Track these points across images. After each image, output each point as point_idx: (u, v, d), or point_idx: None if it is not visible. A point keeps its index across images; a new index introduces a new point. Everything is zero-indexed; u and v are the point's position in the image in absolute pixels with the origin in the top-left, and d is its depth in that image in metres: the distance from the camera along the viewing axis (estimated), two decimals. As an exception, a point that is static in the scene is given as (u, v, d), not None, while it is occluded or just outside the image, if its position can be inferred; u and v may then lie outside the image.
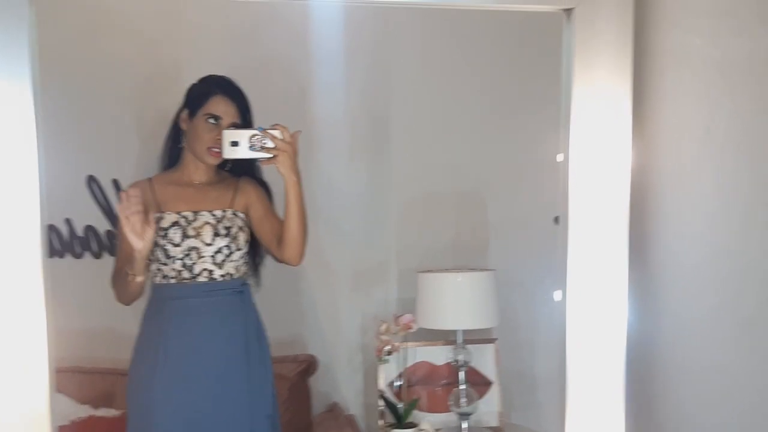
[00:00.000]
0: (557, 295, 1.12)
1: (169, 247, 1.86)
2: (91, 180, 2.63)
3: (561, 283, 1.19)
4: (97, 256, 2.65)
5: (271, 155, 1.80)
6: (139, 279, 1.83)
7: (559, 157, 1.56)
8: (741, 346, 1.22)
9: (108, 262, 2.63)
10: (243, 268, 1.96)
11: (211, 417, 1.85)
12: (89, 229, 2.64)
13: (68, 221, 2.62)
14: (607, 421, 1.09)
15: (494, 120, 2.87)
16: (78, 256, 2.63)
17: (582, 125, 1.45)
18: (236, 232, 1.92)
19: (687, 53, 1.45)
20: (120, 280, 1.89)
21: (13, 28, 1.10)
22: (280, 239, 1.93)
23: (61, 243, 2.61)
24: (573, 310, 1.09)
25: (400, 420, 2.44)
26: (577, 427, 1.09)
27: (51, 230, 2.59)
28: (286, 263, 1.97)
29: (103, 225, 2.65)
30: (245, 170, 2.02)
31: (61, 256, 2.62)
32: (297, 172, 1.84)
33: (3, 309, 0.87)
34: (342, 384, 2.80)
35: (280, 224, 1.92)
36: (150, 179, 1.98)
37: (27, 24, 1.16)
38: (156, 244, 1.86)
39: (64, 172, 2.49)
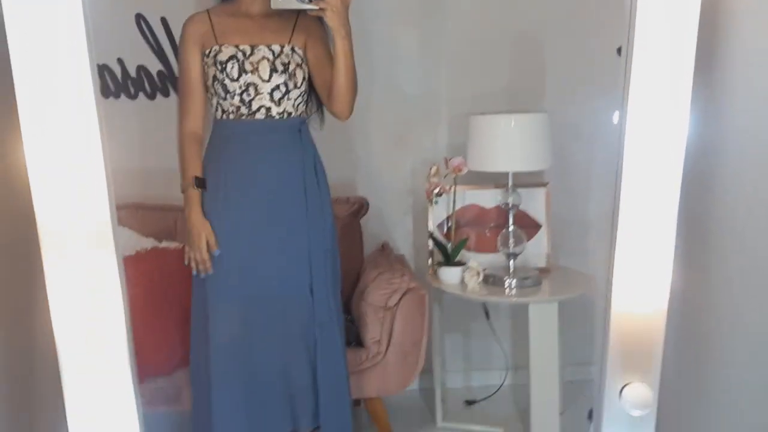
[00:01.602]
0: (615, 118, 1.07)
1: (227, 81, 1.85)
2: (140, 18, 2.60)
3: (620, 110, 1.12)
4: (150, 97, 2.68)
5: (320, 7, 1.73)
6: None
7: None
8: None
9: (161, 103, 2.68)
10: (301, 108, 1.95)
11: (270, 248, 1.91)
12: (141, 69, 2.65)
13: (120, 61, 2.63)
14: (656, 262, 1.07)
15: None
16: (132, 97, 2.67)
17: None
18: (294, 69, 1.89)
19: None
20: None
21: None
22: (330, 91, 1.90)
23: (115, 84, 2.64)
24: (631, 138, 1.04)
25: (449, 259, 2.51)
26: (625, 268, 1.07)
27: (104, 70, 2.62)
28: (335, 116, 1.96)
29: (154, 65, 2.65)
30: None
31: (117, 96, 2.66)
32: (346, 26, 1.78)
33: (61, 148, 0.88)
34: (392, 226, 2.87)
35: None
36: (207, 11, 1.95)
37: None
38: (214, 78, 1.87)
39: (112, 10, 2.48)
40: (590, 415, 1.68)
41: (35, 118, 0.87)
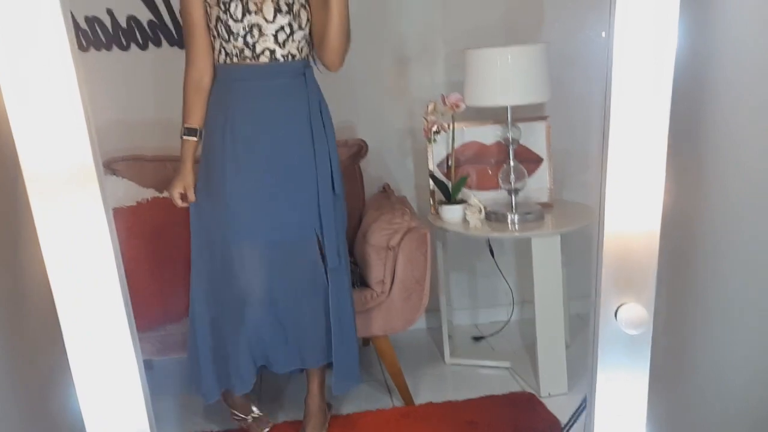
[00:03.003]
0: (603, 34, 1.04)
1: (231, 22, 1.82)
2: (126, -35, 2.55)
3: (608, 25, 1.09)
4: (142, 47, 2.64)
5: None
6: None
7: None
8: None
9: (154, 53, 2.64)
10: (305, 50, 1.91)
11: (279, 194, 1.92)
12: (131, 19, 2.60)
13: (110, 12, 2.58)
14: (647, 181, 1.06)
15: None
16: (125, 48, 2.63)
17: None
18: (298, 9, 1.85)
19: None
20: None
21: None
22: (321, 40, 1.86)
23: (106, 35, 2.60)
24: (619, 53, 1.02)
25: (450, 197, 2.50)
26: (616, 188, 1.05)
27: (94, 21, 2.57)
28: (325, 66, 1.93)
29: (145, 15, 2.61)
30: None
31: (109, 48, 2.62)
32: None
33: (42, 105, 0.87)
34: (392, 167, 2.86)
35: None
36: None
37: None
38: (218, 19, 1.83)
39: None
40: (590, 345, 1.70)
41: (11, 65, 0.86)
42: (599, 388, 1.15)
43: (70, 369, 1.00)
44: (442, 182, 2.53)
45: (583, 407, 1.98)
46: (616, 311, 1.12)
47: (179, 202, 1.95)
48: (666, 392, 1.34)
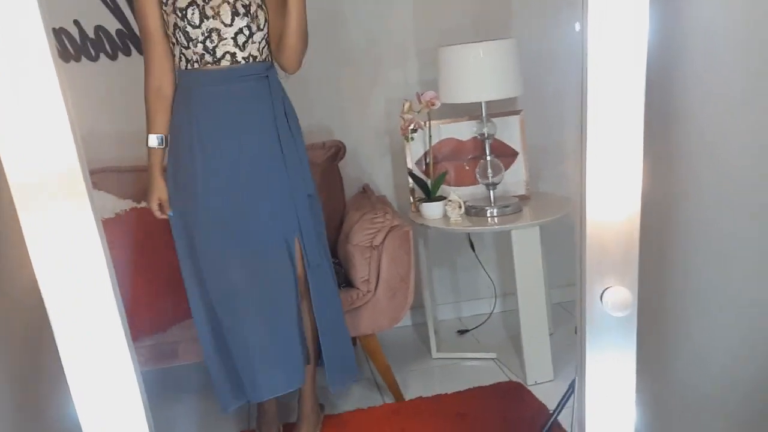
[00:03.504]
0: (577, 26, 1.07)
1: (189, 29, 1.81)
2: (92, -24, 2.53)
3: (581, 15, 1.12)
4: (112, 57, 2.62)
5: None
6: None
7: None
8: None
9: (123, 63, 2.62)
10: (266, 51, 1.91)
11: (252, 198, 1.91)
12: (99, 29, 2.58)
13: (77, 22, 2.56)
14: (626, 166, 1.09)
15: None
16: (93, 59, 2.61)
17: None
18: (255, 11, 1.85)
19: None
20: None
21: None
22: (279, 42, 1.87)
23: (74, 46, 2.58)
24: (593, 42, 1.04)
25: (430, 195, 2.53)
26: (596, 175, 1.08)
27: (61, 33, 2.55)
28: (283, 68, 1.93)
29: (113, 24, 2.59)
30: None
31: (78, 60, 2.60)
32: None
33: (27, 113, 0.87)
34: (371, 168, 2.87)
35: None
36: None
37: None
38: (176, 26, 1.82)
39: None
40: (577, 331, 1.73)
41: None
42: (588, 370, 1.18)
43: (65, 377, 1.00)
44: (422, 180, 2.55)
45: (571, 392, 2.02)
46: (602, 295, 1.15)
47: (159, 214, 1.95)
48: (651, 375, 1.38)
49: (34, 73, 0.87)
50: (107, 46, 2.60)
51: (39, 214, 0.90)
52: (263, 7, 1.88)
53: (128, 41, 2.61)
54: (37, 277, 0.91)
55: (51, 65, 0.87)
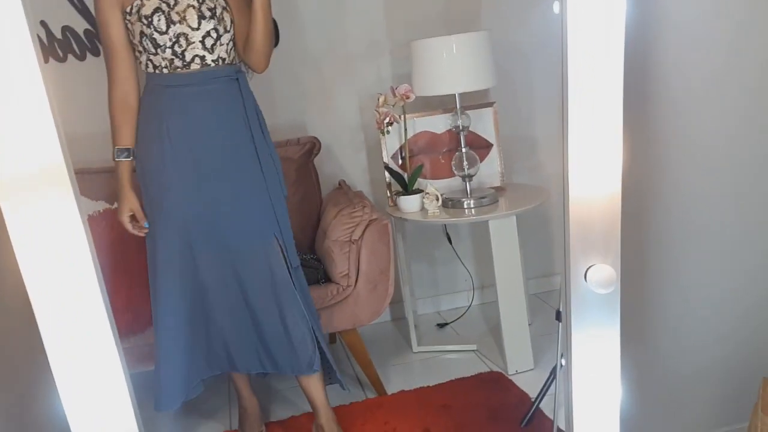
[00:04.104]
0: (556, 7, 1.08)
1: (156, 35, 1.78)
2: (57, -25, 2.48)
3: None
4: (80, 58, 2.58)
5: None
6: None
7: None
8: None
9: (92, 63, 2.58)
10: (233, 53, 1.90)
11: (230, 201, 1.88)
12: (67, 29, 2.54)
13: (44, 23, 2.51)
14: (606, 146, 1.11)
15: None
16: (62, 59, 2.56)
17: None
18: (221, 13, 1.84)
19: None
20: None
21: None
22: (246, 42, 1.87)
23: (42, 47, 2.52)
24: (573, 25, 1.06)
25: (407, 188, 2.53)
26: (578, 155, 1.10)
27: (27, 34, 2.50)
28: (251, 68, 1.93)
29: (80, 24, 2.54)
30: None
31: (46, 61, 2.54)
32: None
33: (8, 108, 0.85)
34: (347, 163, 2.87)
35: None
36: None
37: None
38: (142, 34, 1.79)
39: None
40: (558, 317, 1.75)
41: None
42: (575, 348, 1.19)
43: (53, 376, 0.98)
44: (398, 173, 2.56)
45: (552, 379, 2.04)
46: (586, 273, 1.17)
47: (130, 228, 1.90)
48: (632, 358, 1.41)
49: (16, 66, 0.85)
50: (75, 47, 2.56)
51: (23, 208, 0.88)
52: (228, 8, 1.87)
53: (96, 41, 2.57)
54: (22, 273, 0.89)
55: (34, 58, 0.85)
